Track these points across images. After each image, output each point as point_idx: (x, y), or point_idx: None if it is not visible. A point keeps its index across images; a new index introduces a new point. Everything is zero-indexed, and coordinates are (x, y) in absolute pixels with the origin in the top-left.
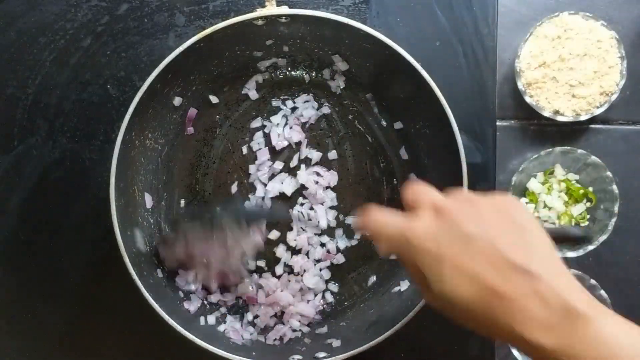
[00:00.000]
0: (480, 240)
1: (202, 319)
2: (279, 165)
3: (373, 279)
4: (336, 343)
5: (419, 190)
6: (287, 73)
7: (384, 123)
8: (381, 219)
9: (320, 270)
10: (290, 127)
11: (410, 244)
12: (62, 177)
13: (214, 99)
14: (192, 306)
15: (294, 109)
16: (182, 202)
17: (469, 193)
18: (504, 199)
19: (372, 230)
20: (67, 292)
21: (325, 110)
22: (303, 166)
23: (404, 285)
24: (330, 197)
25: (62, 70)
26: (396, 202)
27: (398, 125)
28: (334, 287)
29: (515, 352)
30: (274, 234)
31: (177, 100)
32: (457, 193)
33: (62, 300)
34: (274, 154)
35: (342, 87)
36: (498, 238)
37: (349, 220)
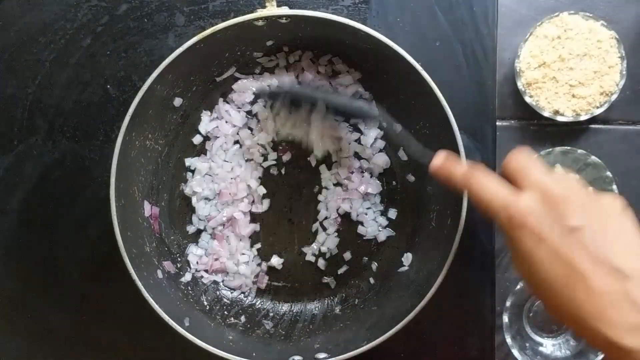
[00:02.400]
0: (582, 233)
1: (202, 318)
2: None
3: (373, 279)
4: (336, 343)
5: (527, 164)
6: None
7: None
8: (487, 184)
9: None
10: None
11: (512, 219)
12: (62, 177)
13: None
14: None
15: None
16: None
17: (580, 182)
18: (613, 200)
19: (474, 192)
20: (67, 292)
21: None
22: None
23: (404, 284)
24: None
25: (62, 70)
26: (396, 203)
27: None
28: (333, 285)
29: (515, 352)
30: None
31: (178, 101)
32: (569, 179)
33: (62, 300)
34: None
35: (342, 87)
36: (602, 236)
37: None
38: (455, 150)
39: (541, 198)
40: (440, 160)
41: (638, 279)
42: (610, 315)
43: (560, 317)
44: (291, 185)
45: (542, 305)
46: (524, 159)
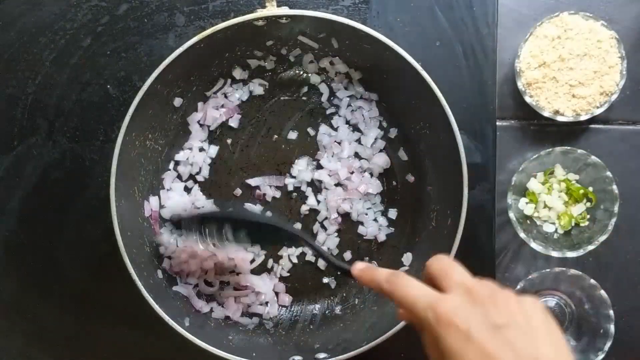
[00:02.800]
0: (511, 333)
1: (202, 319)
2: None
3: None
4: (336, 343)
5: (449, 266)
6: (288, 73)
7: (384, 124)
8: (411, 286)
9: None
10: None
11: (438, 319)
12: (62, 177)
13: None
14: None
15: None
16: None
17: (496, 285)
18: (534, 302)
19: (398, 294)
20: (67, 292)
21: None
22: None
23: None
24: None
25: (62, 70)
26: (396, 203)
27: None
28: (333, 286)
29: None
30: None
31: (178, 101)
32: (488, 282)
33: (62, 300)
34: None
35: (342, 87)
36: (528, 334)
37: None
38: (456, 150)
39: (467, 297)
40: (360, 266)
41: None
42: None
43: None
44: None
45: None
46: (445, 262)
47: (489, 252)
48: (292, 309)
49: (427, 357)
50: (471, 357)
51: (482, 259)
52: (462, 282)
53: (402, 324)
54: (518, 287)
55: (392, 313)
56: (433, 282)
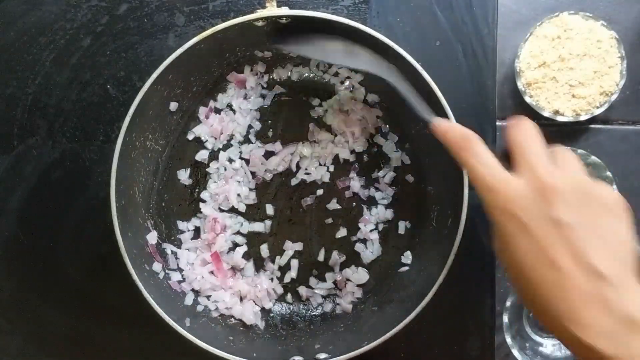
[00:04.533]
0: (570, 231)
1: (203, 319)
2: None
3: (373, 280)
4: (337, 344)
5: (527, 143)
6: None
7: (388, 127)
8: (482, 159)
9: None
10: None
11: (499, 201)
12: (62, 177)
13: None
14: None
15: None
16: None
17: (579, 170)
18: (613, 198)
19: (468, 163)
20: (67, 292)
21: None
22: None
23: (405, 285)
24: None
25: (62, 70)
26: (395, 205)
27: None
28: (334, 286)
29: (515, 352)
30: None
31: (173, 105)
32: (568, 167)
33: (62, 300)
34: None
35: (342, 88)
36: (587, 235)
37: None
38: None
39: (533, 184)
40: (443, 122)
41: (617, 285)
42: (583, 317)
43: (534, 311)
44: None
45: (518, 294)
46: (526, 136)
47: (489, 252)
48: (293, 309)
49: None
50: (524, 247)
51: (482, 259)
52: (535, 164)
53: (402, 324)
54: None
55: (392, 313)
56: (509, 152)
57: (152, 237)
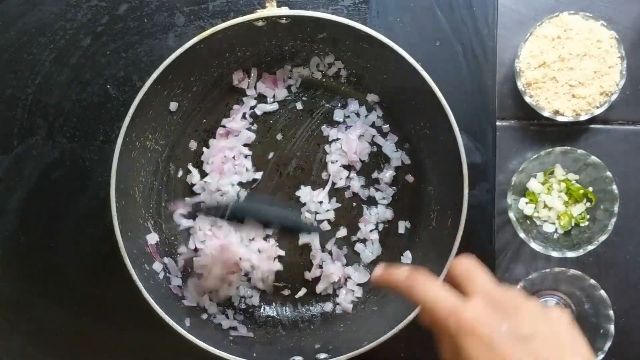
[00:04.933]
0: (535, 344)
1: (203, 319)
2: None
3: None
4: (337, 344)
5: (473, 272)
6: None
7: (388, 127)
8: (432, 289)
9: None
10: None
11: (460, 326)
12: (62, 177)
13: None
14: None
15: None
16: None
17: (520, 294)
18: (561, 312)
19: (419, 296)
20: (67, 292)
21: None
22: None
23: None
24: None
25: (62, 70)
26: (395, 205)
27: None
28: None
29: None
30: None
31: (173, 105)
32: (510, 289)
33: (62, 300)
34: None
35: (342, 88)
36: (551, 345)
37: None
38: (456, 150)
39: (490, 305)
40: (380, 270)
41: None
42: None
43: None
44: (292, 186)
45: None
46: (470, 266)
47: (489, 252)
48: (293, 309)
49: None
50: None
51: (482, 259)
52: (486, 288)
53: (402, 324)
54: (518, 287)
55: (392, 313)
56: (455, 284)
57: (152, 237)
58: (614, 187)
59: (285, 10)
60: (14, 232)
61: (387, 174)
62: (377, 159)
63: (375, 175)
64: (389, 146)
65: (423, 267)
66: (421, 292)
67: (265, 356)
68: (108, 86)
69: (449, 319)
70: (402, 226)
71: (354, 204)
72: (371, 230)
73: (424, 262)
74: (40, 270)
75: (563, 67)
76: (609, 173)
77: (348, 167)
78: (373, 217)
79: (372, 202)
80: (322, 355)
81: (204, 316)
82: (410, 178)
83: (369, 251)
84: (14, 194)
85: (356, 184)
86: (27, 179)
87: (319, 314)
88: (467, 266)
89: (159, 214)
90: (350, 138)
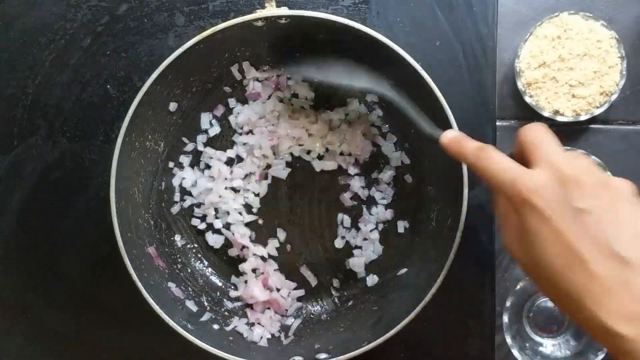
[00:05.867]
0: (589, 217)
1: (202, 319)
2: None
3: (374, 279)
4: (337, 344)
5: (541, 139)
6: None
7: (388, 127)
8: (497, 158)
9: None
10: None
11: (519, 194)
12: (62, 177)
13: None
14: (193, 307)
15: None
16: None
17: (592, 163)
18: (625, 185)
19: (483, 166)
20: (67, 292)
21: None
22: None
23: (405, 285)
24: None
25: (62, 70)
26: (395, 205)
27: (393, 138)
28: (335, 287)
29: (515, 352)
30: None
31: (173, 106)
32: (581, 159)
33: (62, 300)
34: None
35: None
36: (608, 222)
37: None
38: None
39: (551, 176)
40: (451, 134)
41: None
42: (606, 301)
43: (555, 299)
44: (292, 186)
45: (536, 286)
46: (538, 134)
47: (489, 252)
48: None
49: (500, 224)
50: (547, 238)
51: (482, 259)
52: (551, 158)
53: (402, 324)
54: (518, 287)
55: (392, 313)
56: (523, 153)
57: (152, 238)
58: None
59: (284, 11)
60: (14, 232)
61: (387, 174)
62: (377, 159)
63: (375, 175)
64: (388, 146)
65: (490, 145)
66: (486, 162)
67: (265, 356)
68: (108, 86)
69: (510, 187)
70: (402, 226)
71: (354, 203)
72: (371, 230)
73: (424, 262)
74: (40, 270)
75: (563, 67)
76: (609, 173)
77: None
78: (373, 217)
79: (372, 202)
80: (322, 355)
81: (204, 316)
82: (410, 178)
83: (370, 250)
84: (14, 194)
85: (356, 184)
86: (27, 179)
87: (319, 314)
88: (536, 134)
89: (159, 214)
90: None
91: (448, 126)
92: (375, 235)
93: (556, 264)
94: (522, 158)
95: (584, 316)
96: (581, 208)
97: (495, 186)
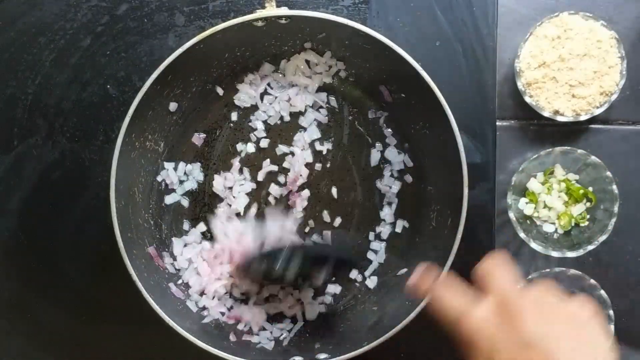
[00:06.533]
0: (536, 349)
1: (203, 319)
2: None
3: (374, 280)
4: (337, 344)
5: (492, 270)
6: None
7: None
8: (445, 296)
9: None
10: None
11: (466, 331)
12: (62, 177)
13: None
14: (193, 307)
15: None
16: (186, 203)
17: (548, 290)
18: (582, 307)
19: (435, 304)
20: (67, 292)
21: (325, 112)
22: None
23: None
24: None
25: (62, 70)
26: (395, 205)
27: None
28: (336, 288)
29: None
30: None
31: (173, 106)
32: (535, 287)
33: (62, 300)
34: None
35: (342, 88)
36: (561, 348)
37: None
38: (456, 150)
39: (498, 307)
40: (414, 278)
41: None
42: None
43: None
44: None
45: None
46: (491, 265)
47: (489, 252)
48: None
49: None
50: None
51: (482, 259)
52: (499, 289)
53: (402, 324)
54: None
55: (392, 313)
56: (480, 285)
57: (152, 238)
58: (614, 187)
59: (284, 11)
60: (14, 232)
61: (387, 174)
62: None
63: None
64: (390, 147)
65: (448, 281)
66: (437, 300)
67: (265, 356)
68: (108, 86)
69: (458, 324)
70: (400, 225)
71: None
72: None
73: (424, 262)
74: (40, 270)
75: (563, 67)
76: (609, 173)
77: None
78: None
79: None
80: (322, 355)
81: (204, 316)
82: (409, 178)
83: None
84: (14, 194)
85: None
86: (27, 179)
87: (319, 314)
88: (488, 267)
89: (159, 214)
90: None
91: (448, 126)
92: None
93: None
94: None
95: None
96: (528, 339)
97: (447, 323)
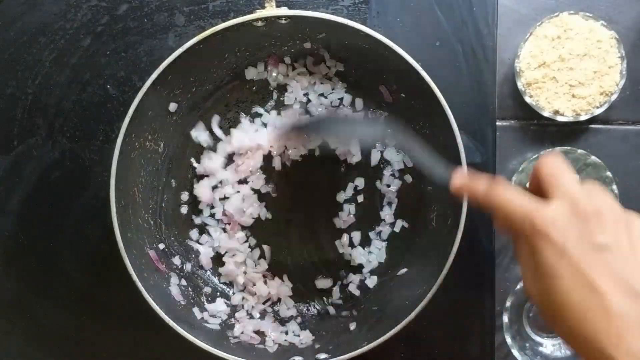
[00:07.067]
0: (611, 254)
1: (203, 320)
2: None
3: (374, 280)
4: (337, 344)
5: (559, 171)
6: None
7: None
8: (511, 195)
9: None
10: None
11: (535, 229)
12: (62, 177)
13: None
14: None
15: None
16: (185, 206)
17: (612, 198)
18: None
19: (497, 204)
20: (67, 292)
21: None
22: None
23: (405, 285)
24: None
25: (62, 70)
26: (395, 205)
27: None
28: (336, 288)
29: (515, 352)
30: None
31: (173, 106)
32: (602, 194)
33: (62, 300)
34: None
35: (343, 88)
36: (628, 257)
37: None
38: (455, 150)
39: (570, 209)
40: (459, 179)
41: None
42: (624, 343)
43: (571, 340)
44: (293, 184)
45: (552, 327)
46: (556, 166)
47: (489, 252)
48: (293, 309)
49: (521, 268)
50: (563, 273)
51: (482, 259)
52: (570, 190)
53: (402, 324)
54: (518, 287)
55: (392, 313)
56: (540, 188)
57: (152, 238)
58: (614, 187)
59: (284, 11)
60: (14, 232)
61: (387, 175)
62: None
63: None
64: (389, 148)
65: (501, 179)
66: (500, 199)
67: (265, 356)
68: (108, 86)
69: (525, 221)
70: (400, 225)
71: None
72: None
73: (424, 262)
74: (40, 270)
75: (563, 67)
76: (609, 173)
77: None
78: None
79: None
80: (322, 355)
81: (204, 316)
82: (409, 178)
83: (375, 260)
84: (14, 194)
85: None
86: (27, 179)
87: (319, 314)
88: (553, 166)
89: (159, 214)
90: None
91: (448, 126)
92: (382, 244)
93: (573, 300)
94: (539, 192)
95: (594, 353)
96: (602, 244)
97: (510, 223)
